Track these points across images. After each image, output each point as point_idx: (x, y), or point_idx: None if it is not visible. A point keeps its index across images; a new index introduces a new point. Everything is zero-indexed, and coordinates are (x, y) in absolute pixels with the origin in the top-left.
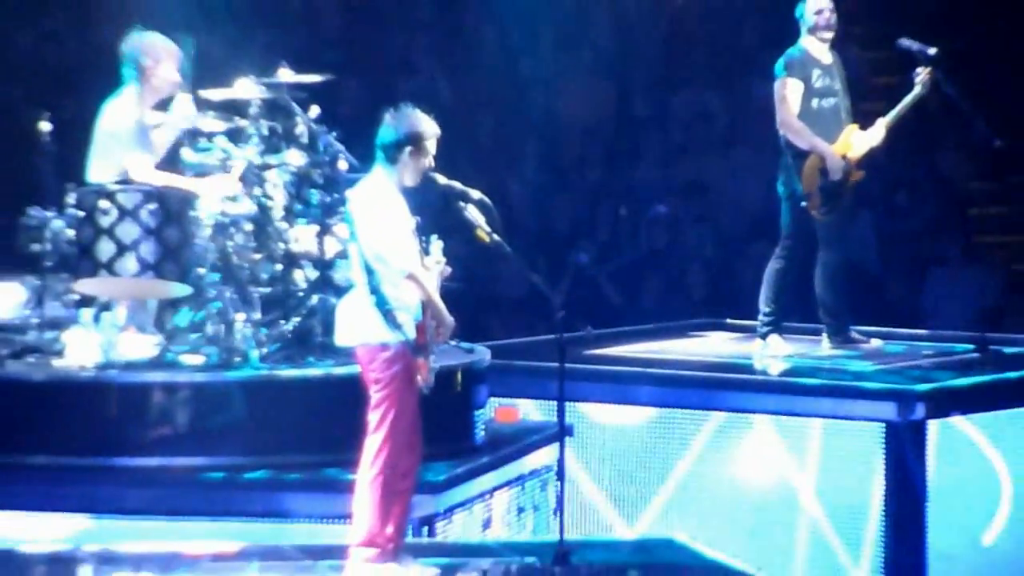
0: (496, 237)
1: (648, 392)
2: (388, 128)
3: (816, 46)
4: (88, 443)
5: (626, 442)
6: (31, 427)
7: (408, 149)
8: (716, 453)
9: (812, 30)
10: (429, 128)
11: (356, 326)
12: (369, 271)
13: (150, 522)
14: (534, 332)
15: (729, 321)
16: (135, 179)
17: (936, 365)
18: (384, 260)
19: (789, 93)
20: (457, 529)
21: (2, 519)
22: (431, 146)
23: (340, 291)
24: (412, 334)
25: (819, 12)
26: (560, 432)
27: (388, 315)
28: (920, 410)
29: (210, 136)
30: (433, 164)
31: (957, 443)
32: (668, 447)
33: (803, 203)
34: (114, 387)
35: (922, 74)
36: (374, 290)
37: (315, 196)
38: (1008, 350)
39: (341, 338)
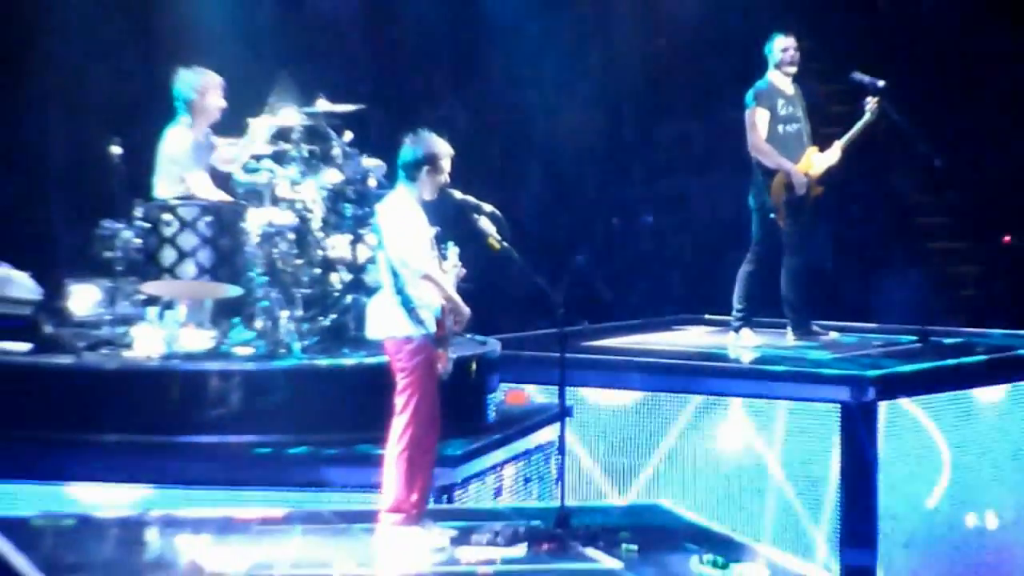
0: (505, 244)
1: (637, 378)
2: (408, 150)
3: (781, 79)
4: (154, 423)
5: (618, 421)
6: (105, 409)
7: (425, 168)
8: (695, 431)
9: (778, 65)
10: (443, 149)
11: (384, 322)
12: (394, 274)
13: (207, 491)
14: (538, 326)
15: (707, 316)
16: (196, 194)
17: (884, 354)
18: (406, 264)
19: (758, 120)
20: (472, 496)
21: (80, 489)
22: (445, 165)
23: (370, 292)
24: (432, 328)
25: (784, 50)
26: (561, 413)
27: (412, 312)
28: (871, 393)
29: (258, 159)
30: (448, 181)
31: (903, 421)
32: (654, 426)
33: (771, 215)
34: (176, 374)
35: (871, 103)
36: (399, 290)
37: (348, 209)
38: (946, 340)
39: (371, 332)
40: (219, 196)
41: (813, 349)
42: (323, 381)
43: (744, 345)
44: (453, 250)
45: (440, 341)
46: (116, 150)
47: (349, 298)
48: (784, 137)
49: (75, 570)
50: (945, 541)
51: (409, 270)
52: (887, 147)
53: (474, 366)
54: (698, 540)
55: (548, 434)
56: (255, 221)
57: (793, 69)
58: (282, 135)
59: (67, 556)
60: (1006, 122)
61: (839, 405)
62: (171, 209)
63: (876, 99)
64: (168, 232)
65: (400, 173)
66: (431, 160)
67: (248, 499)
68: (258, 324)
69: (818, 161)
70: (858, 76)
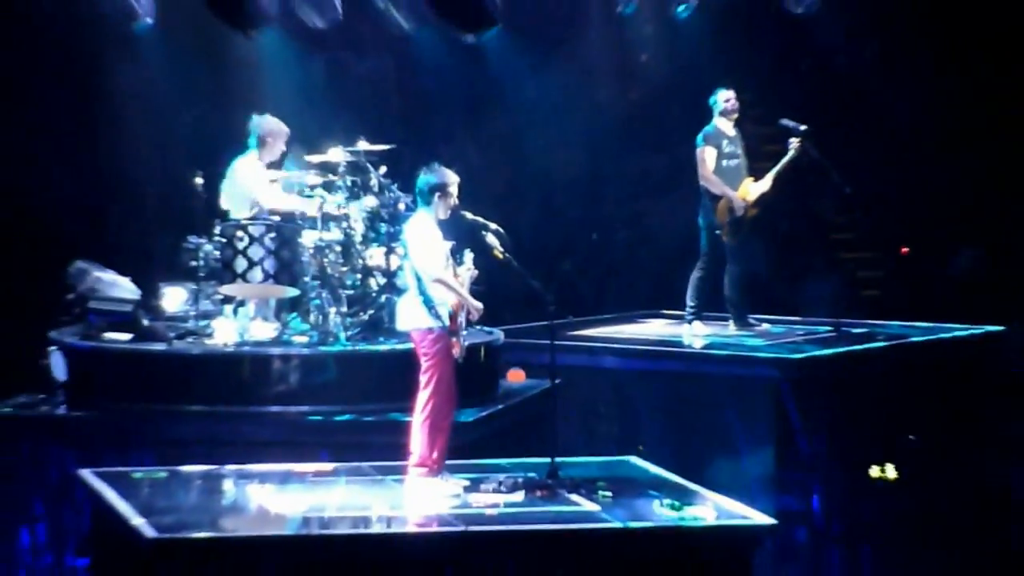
0: (506, 254)
1: (610, 360)
2: (422, 179)
3: (724, 124)
4: (229, 396)
5: (595, 393)
6: (191, 385)
7: (437, 194)
8: (656, 400)
9: (722, 113)
10: (451, 178)
11: (410, 317)
12: (418, 279)
13: (272, 448)
14: (533, 319)
15: (665, 312)
16: (267, 207)
17: (806, 341)
18: (424, 271)
19: (707, 157)
20: (481, 453)
21: (160, 450)
22: (453, 191)
23: (400, 293)
24: (447, 322)
25: (727, 101)
26: (551, 388)
27: (431, 309)
28: (795, 372)
29: (312, 187)
30: (458, 203)
31: (822, 396)
32: (624, 397)
33: (717, 231)
34: (246, 358)
35: (795, 143)
36: (421, 292)
37: (383, 227)
38: (854, 330)
39: (400, 325)
40: (291, 203)
41: (750, 337)
42: (363, 363)
43: (695, 334)
44: (468, 256)
45: (454, 332)
46: (199, 180)
47: (384, 298)
48: (727, 170)
49: (166, 513)
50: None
51: (426, 275)
52: (808, 177)
53: (483, 351)
54: (659, 488)
55: (540, 404)
56: (309, 237)
57: (734, 116)
58: (331, 168)
59: (159, 502)
60: (903, 158)
61: (772, 380)
62: (243, 227)
63: (799, 140)
64: (240, 245)
65: (418, 199)
66: (441, 188)
67: (302, 455)
68: (312, 318)
69: (754, 189)
70: (785, 122)
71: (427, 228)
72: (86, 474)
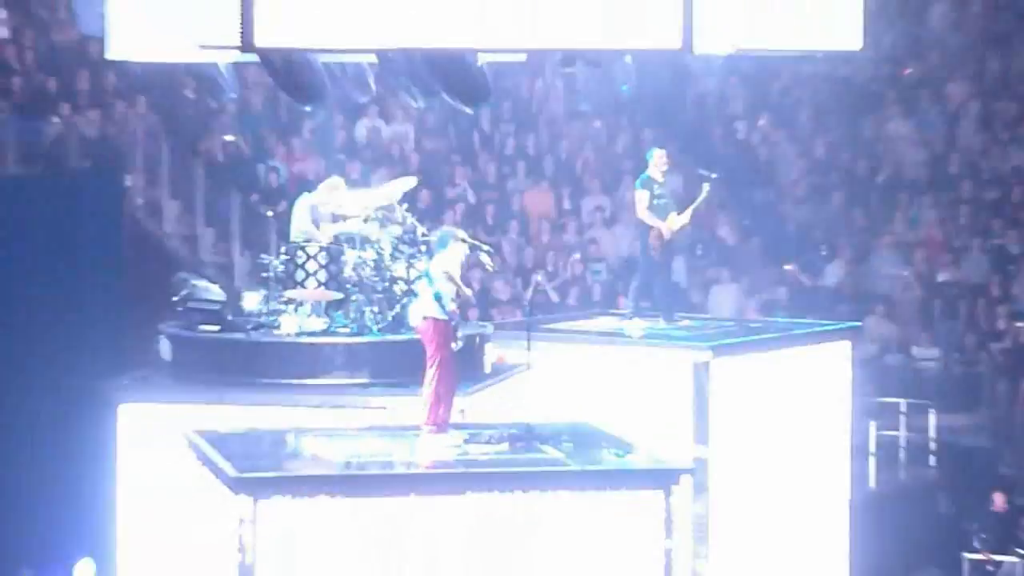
0: (495, 267)
1: (572, 346)
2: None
3: (656, 174)
4: (292, 372)
5: (560, 372)
6: (263, 365)
7: (450, 245)
8: (607, 378)
9: (654, 166)
10: (460, 234)
11: (422, 311)
12: (431, 280)
13: (322, 411)
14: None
15: (613, 311)
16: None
17: (716, 333)
18: (442, 280)
19: (641, 198)
20: (476, 415)
21: (249, 410)
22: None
23: (415, 297)
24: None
25: (660, 157)
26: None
27: (440, 302)
28: (708, 354)
29: (344, 217)
30: (467, 252)
31: (727, 372)
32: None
33: (651, 252)
34: (304, 344)
35: (706, 187)
36: (436, 295)
37: (405, 249)
38: (751, 324)
39: (413, 321)
40: (333, 231)
41: (675, 329)
42: (389, 348)
43: (635, 327)
44: (485, 256)
45: (453, 328)
46: (269, 213)
47: (405, 299)
48: (657, 207)
49: (245, 457)
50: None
51: (444, 284)
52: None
53: (477, 340)
54: (608, 441)
55: (520, 381)
56: (350, 255)
57: (664, 168)
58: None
59: (240, 450)
60: (783, 197)
61: (691, 362)
62: (301, 248)
63: (707, 185)
64: (299, 261)
65: (438, 245)
66: (454, 236)
67: (344, 417)
68: (351, 315)
69: (676, 221)
70: (701, 171)
71: (450, 260)
72: (188, 431)
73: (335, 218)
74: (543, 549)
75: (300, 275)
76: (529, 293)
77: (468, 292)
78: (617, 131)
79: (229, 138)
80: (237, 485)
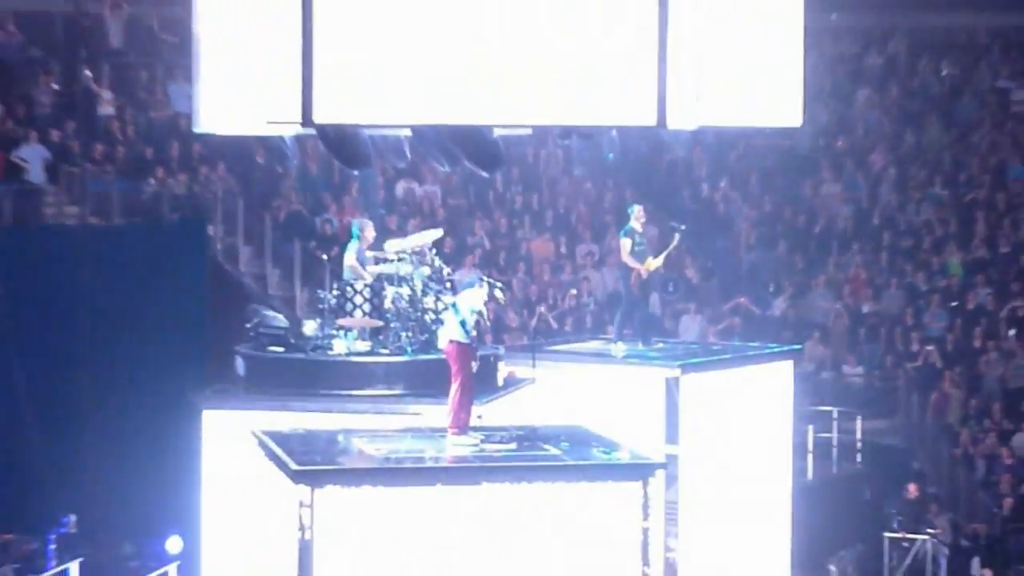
0: (506, 301)
1: (567, 365)
2: (470, 280)
3: (636, 224)
4: (342, 384)
5: (559, 385)
6: (318, 379)
7: (477, 283)
8: (596, 390)
9: (635, 219)
10: (481, 292)
11: (448, 335)
12: (457, 311)
13: (365, 417)
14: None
15: (601, 336)
16: (357, 274)
17: (683, 353)
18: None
19: (623, 245)
20: (490, 419)
21: (307, 416)
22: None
23: (441, 324)
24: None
25: (639, 212)
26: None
27: (465, 333)
28: (677, 371)
29: (385, 259)
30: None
31: (693, 386)
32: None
33: (632, 288)
34: (352, 363)
35: (676, 238)
36: (462, 322)
37: (433, 286)
38: (714, 347)
39: (441, 344)
40: (375, 271)
41: (651, 351)
42: (421, 366)
43: (619, 349)
44: (499, 291)
45: (473, 350)
46: (324, 256)
47: (433, 327)
48: (637, 252)
49: (303, 453)
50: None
51: (469, 315)
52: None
53: (492, 359)
54: (598, 441)
55: (528, 392)
56: (389, 291)
57: (642, 221)
58: (403, 250)
59: (299, 448)
60: (736, 246)
61: (663, 377)
62: (350, 285)
63: (678, 235)
64: (348, 296)
65: (467, 285)
66: (480, 282)
67: (385, 422)
68: (390, 339)
69: (652, 263)
70: (672, 224)
71: (475, 299)
72: (256, 430)
73: (377, 261)
74: (544, 528)
75: (349, 307)
76: (534, 322)
77: (487, 322)
78: (604, 191)
79: (292, 196)
80: (297, 476)
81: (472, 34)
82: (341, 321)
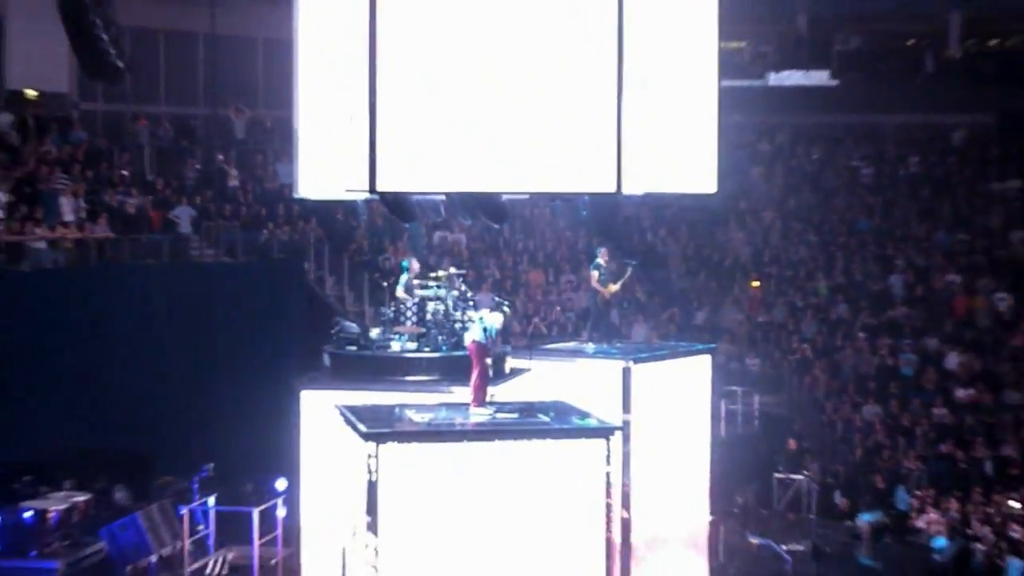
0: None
1: (552, 361)
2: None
3: (602, 261)
4: (397, 373)
5: (547, 373)
6: (381, 369)
7: (493, 305)
8: (575, 376)
9: (599, 256)
10: (500, 317)
11: (471, 337)
12: (484, 326)
13: (412, 395)
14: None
15: (577, 339)
16: (406, 296)
17: (634, 350)
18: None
19: (594, 276)
20: (500, 397)
21: (367, 395)
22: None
23: (465, 329)
24: (485, 343)
25: (603, 252)
26: (528, 370)
27: (486, 333)
28: (630, 363)
29: (426, 285)
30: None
31: (641, 373)
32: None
33: (599, 306)
34: (405, 357)
35: (629, 270)
36: (484, 329)
37: (460, 304)
38: (654, 346)
39: (466, 343)
40: (420, 294)
41: (612, 349)
42: (452, 359)
43: (590, 348)
44: (507, 310)
45: (488, 350)
46: (385, 284)
47: (460, 333)
48: (602, 280)
49: (370, 421)
50: None
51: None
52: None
53: (501, 355)
54: (575, 412)
55: (528, 380)
56: (430, 307)
57: (606, 258)
58: (439, 280)
59: (367, 416)
60: (672, 275)
61: (620, 368)
62: (403, 303)
63: (630, 268)
64: (401, 311)
65: (492, 306)
66: (496, 307)
67: (425, 399)
68: (430, 341)
69: (612, 288)
70: (626, 260)
71: (491, 320)
72: (337, 405)
73: (420, 287)
74: (537, 472)
75: (402, 318)
76: (530, 329)
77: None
78: (579, 237)
79: (362, 242)
80: (366, 437)
81: (487, 130)
82: (396, 328)
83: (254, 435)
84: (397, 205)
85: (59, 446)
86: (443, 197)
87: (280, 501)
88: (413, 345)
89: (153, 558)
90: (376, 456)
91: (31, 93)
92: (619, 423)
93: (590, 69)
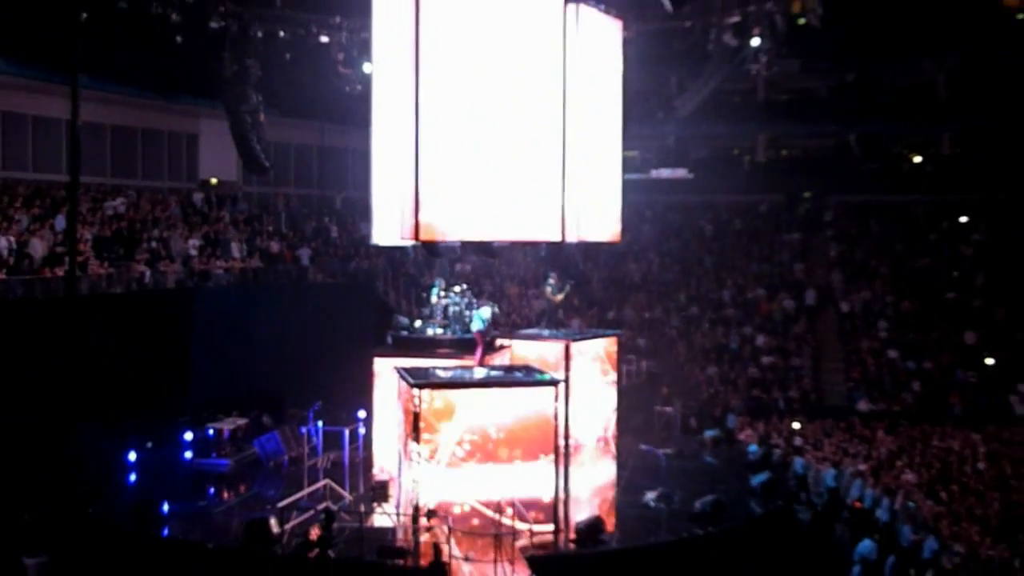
0: (498, 313)
1: (523, 340)
2: (489, 305)
3: (553, 281)
4: (431, 348)
5: (519, 349)
6: (422, 346)
7: (485, 305)
8: (537, 351)
9: (552, 279)
10: (489, 312)
11: (475, 327)
12: (481, 318)
13: (440, 361)
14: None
15: (539, 327)
16: (436, 301)
17: (572, 334)
18: (484, 317)
19: (549, 290)
20: (492, 363)
21: (413, 361)
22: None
23: (472, 322)
24: (483, 330)
25: (554, 276)
26: (510, 347)
27: (485, 324)
28: (570, 342)
29: (448, 295)
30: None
31: (577, 348)
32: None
33: (551, 308)
34: (436, 338)
35: (568, 286)
36: (482, 320)
37: (468, 307)
38: (584, 332)
39: (472, 330)
40: (444, 302)
41: (559, 333)
42: (464, 340)
43: (545, 333)
44: (496, 309)
45: (485, 336)
46: (424, 295)
47: (469, 323)
48: (552, 294)
49: (415, 377)
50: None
51: (485, 318)
52: (573, 294)
53: (493, 338)
54: (537, 372)
55: (506, 352)
56: (450, 309)
57: (555, 279)
58: (455, 291)
59: (413, 374)
60: (596, 291)
61: (563, 345)
62: (434, 306)
63: (569, 285)
64: (432, 311)
65: (487, 306)
66: (490, 311)
67: (448, 364)
68: (450, 328)
69: (559, 298)
70: (568, 280)
71: (487, 312)
72: (396, 366)
73: (445, 296)
74: (515, 406)
75: (434, 315)
76: (510, 322)
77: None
78: (539, 266)
79: (411, 269)
80: (413, 385)
81: (485, 200)
82: (430, 321)
83: (346, 384)
84: (431, 247)
85: (230, 390)
86: (458, 243)
87: (361, 424)
88: (440, 331)
89: (285, 458)
90: (419, 397)
91: (214, 180)
92: (562, 377)
93: (542, 158)
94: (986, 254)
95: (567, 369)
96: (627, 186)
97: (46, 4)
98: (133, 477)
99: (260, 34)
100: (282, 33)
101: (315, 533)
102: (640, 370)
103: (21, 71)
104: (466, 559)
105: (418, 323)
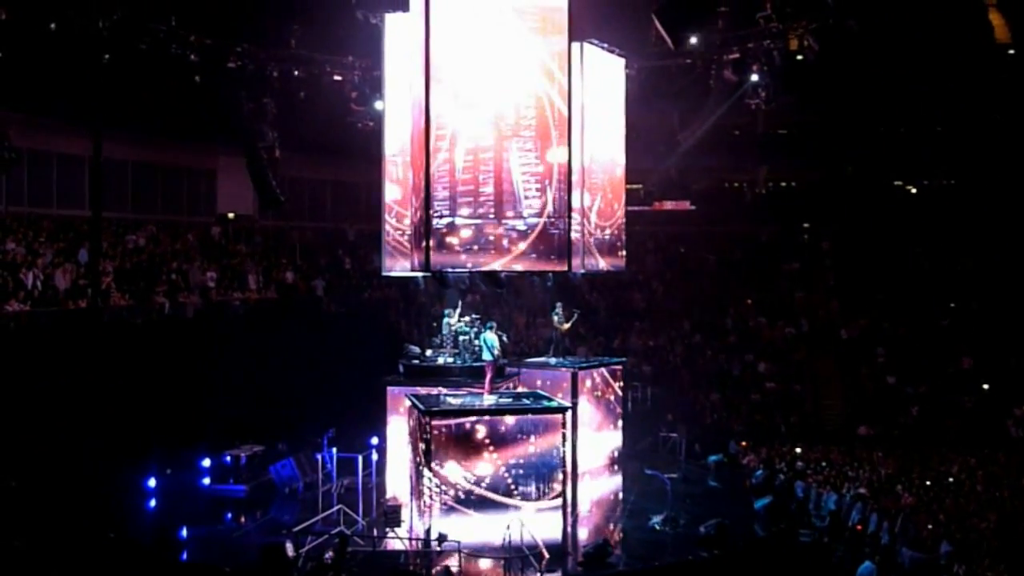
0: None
1: (531, 369)
2: (495, 333)
3: (560, 311)
4: (441, 376)
5: (527, 378)
6: (433, 374)
7: (492, 329)
8: (544, 379)
9: (559, 309)
10: (496, 340)
11: (485, 357)
12: (490, 346)
13: (449, 388)
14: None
15: (546, 356)
16: (447, 331)
17: (578, 363)
18: (493, 346)
19: (556, 319)
20: (501, 390)
21: (424, 389)
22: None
23: (483, 351)
24: (493, 359)
25: (560, 306)
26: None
27: (492, 353)
28: (576, 370)
29: (458, 325)
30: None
31: (583, 377)
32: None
33: (559, 336)
34: (447, 366)
35: (575, 315)
36: (489, 347)
37: (477, 336)
38: (591, 359)
39: (483, 359)
40: (454, 328)
41: (566, 362)
42: (474, 368)
43: (553, 361)
44: (505, 339)
45: (494, 363)
46: (435, 324)
47: (479, 352)
48: (559, 322)
49: (426, 404)
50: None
51: (493, 346)
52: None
53: (502, 365)
54: (545, 399)
55: (515, 380)
56: (460, 338)
57: (561, 309)
58: (470, 320)
59: (425, 402)
60: (600, 320)
61: (569, 374)
62: (445, 335)
63: (576, 315)
64: (443, 340)
65: (494, 331)
66: (493, 329)
67: (458, 391)
68: (461, 357)
69: (565, 327)
70: (573, 309)
71: (493, 335)
72: (407, 395)
73: (454, 326)
74: (523, 431)
75: (444, 344)
76: (518, 350)
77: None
78: (546, 296)
79: (423, 299)
80: (425, 413)
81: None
82: (441, 350)
83: (359, 412)
84: (441, 278)
85: (247, 418)
86: (468, 273)
87: (374, 450)
88: (451, 360)
89: (300, 484)
90: (429, 424)
91: (231, 215)
92: (570, 404)
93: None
94: (980, 281)
95: (574, 396)
96: (631, 217)
97: (70, 47)
98: (153, 502)
99: (276, 73)
100: (297, 72)
101: (329, 557)
102: (645, 396)
103: (46, 111)
104: None
105: (429, 352)
